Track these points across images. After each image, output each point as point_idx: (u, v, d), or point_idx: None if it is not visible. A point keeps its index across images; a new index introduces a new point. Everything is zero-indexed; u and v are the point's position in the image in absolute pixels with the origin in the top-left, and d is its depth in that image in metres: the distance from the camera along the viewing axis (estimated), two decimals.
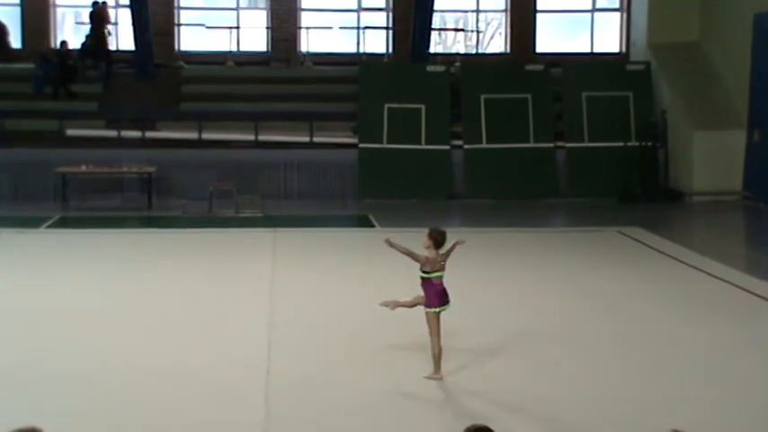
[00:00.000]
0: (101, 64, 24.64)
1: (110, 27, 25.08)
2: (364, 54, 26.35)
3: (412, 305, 8.86)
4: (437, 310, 8.53)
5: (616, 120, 22.26)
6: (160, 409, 7.97)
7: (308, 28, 26.99)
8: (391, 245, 8.62)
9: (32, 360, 9.20)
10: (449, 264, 8.74)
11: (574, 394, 8.47)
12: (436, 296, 8.52)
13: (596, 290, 12.66)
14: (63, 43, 24.77)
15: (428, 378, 8.62)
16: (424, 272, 8.53)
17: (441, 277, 8.56)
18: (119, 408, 7.99)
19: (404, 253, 8.58)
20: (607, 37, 27.53)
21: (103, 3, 25.15)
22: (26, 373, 8.81)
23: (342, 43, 27.49)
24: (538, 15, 27.24)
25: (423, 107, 22.10)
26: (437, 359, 8.57)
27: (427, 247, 8.57)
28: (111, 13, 25.85)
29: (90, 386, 8.49)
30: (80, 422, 7.64)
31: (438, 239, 8.58)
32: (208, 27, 26.72)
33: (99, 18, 25.08)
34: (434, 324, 8.51)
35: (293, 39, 26.88)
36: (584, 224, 18.51)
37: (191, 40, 27.02)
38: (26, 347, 9.65)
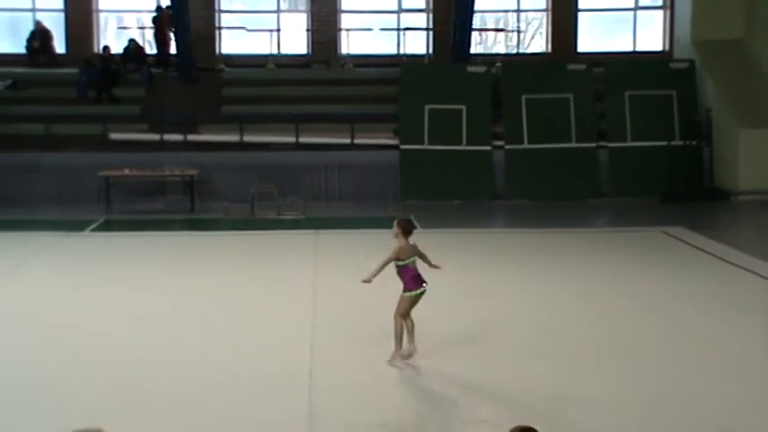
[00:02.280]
0: (147, 68, 24.93)
1: (171, 32, 25.33)
2: (404, 55, 26.38)
3: (383, 266, 9.14)
4: (414, 293, 9.01)
5: (660, 119, 22.09)
6: (204, 410, 8.04)
7: (348, 30, 27.09)
8: (369, 280, 9.15)
9: (80, 362, 9.32)
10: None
11: (617, 395, 8.43)
12: (412, 280, 9.03)
13: (640, 291, 12.57)
14: (106, 48, 25.09)
15: (392, 360, 9.09)
16: (398, 260, 9.03)
17: (414, 263, 9.09)
18: (163, 409, 8.08)
19: (383, 266, 9.09)
20: (650, 35, 27.31)
21: (167, 7, 25.42)
22: (75, 375, 8.93)
23: (382, 45, 27.52)
24: (579, 14, 27.11)
25: (463, 108, 22.06)
26: (399, 337, 9.08)
27: (396, 236, 9.14)
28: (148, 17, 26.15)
29: (135, 388, 8.59)
30: (127, 424, 7.74)
31: (406, 228, 9.21)
32: (248, 30, 26.90)
33: (161, 23, 25.38)
34: (405, 305, 9.05)
35: (333, 41, 26.99)
36: (627, 224, 18.39)
37: (231, 43, 27.22)
38: (72, 350, 9.78)
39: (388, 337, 10.16)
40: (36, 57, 25.88)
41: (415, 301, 9.10)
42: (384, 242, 16.41)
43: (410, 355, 9.16)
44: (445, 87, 22.26)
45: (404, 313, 9.06)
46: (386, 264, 9.10)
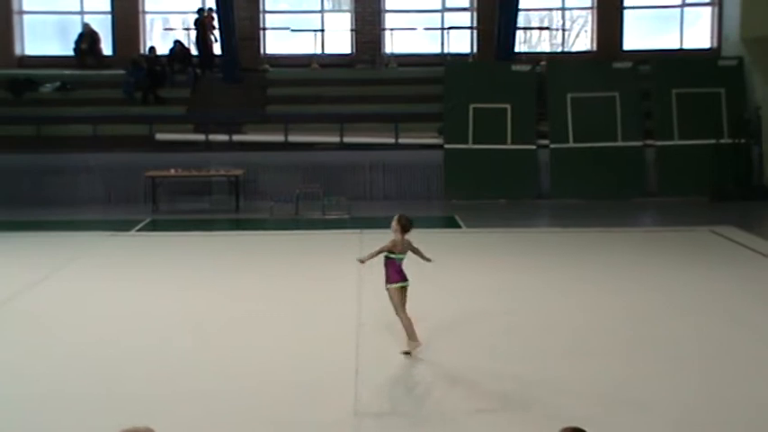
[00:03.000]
0: (193, 69, 25.08)
1: (214, 33, 25.43)
2: (449, 54, 26.26)
3: (378, 253, 9.45)
4: (398, 285, 9.34)
5: (708, 117, 21.78)
6: (250, 409, 8.02)
7: (392, 29, 27.03)
8: (363, 260, 9.51)
9: (126, 362, 9.35)
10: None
11: (667, 397, 8.26)
12: (397, 273, 9.37)
13: (690, 291, 12.36)
14: (152, 49, 25.29)
15: (406, 352, 9.29)
16: (390, 252, 9.37)
17: (401, 260, 9.45)
18: (210, 408, 8.07)
19: (376, 254, 9.39)
20: (697, 32, 26.92)
21: (209, 9, 25.55)
22: (124, 372, 8.97)
23: (426, 44, 27.43)
24: (625, 12, 26.80)
25: (508, 107, 21.95)
26: (409, 329, 9.30)
27: (395, 231, 9.46)
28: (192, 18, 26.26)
29: (182, 387, 8.59)
30: (176, 423, 7.74)
31: (405, 225, 9.53)
32: (293, 30, 26.94)
33: (204, 25, 25.53)
34: (397, 298, 9.34)
35: (377, 40, 26.94)
36: (675, 224, 18.13)
37: (276, 43, 27.28)
38: (118, 350, 9.81)
39: (435, 336, 10.11)
40: (84, 59, 26.15)
41: (401, 292, 9.38)
42: (427, 242, 16.44)
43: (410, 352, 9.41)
44: (490, 86, 22.17)
45: (401, 306, 9.35)
46: (381, 251, 9.39)
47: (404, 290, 9.43)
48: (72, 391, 8.48)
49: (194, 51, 25.84)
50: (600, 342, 9.96)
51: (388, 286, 9.39)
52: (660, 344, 9.90)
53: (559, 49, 27.27)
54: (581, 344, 9.89)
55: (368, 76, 25.49)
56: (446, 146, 22.02)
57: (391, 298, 9.40)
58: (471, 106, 21.96)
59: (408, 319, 9.37)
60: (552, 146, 21.99)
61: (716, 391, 8.50)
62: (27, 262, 14.59)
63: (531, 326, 10.65)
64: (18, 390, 8.49)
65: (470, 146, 21.94)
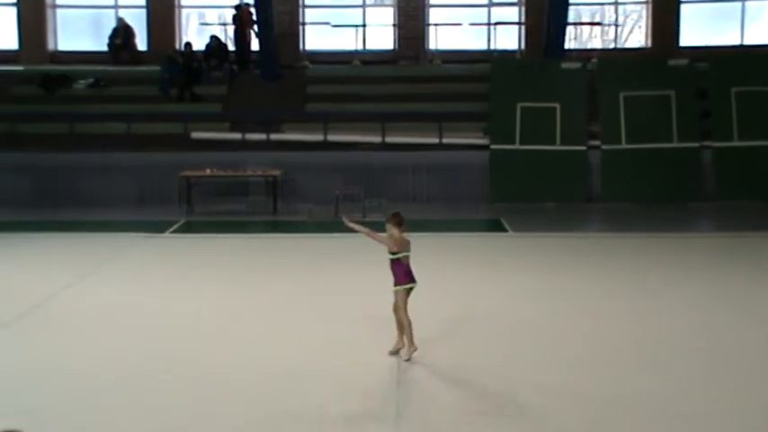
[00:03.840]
0: (230, 65, 25.26)
1: (252, 29, 25.62)
2: (495, 51, 26.23)
3: (367, 234, 9.63)
4: (405, 287, 9.47)
5: None
6: (292, 409, 8.08)
7: (436, 25, 27.05)
8: (349, 225, 9.73)
9: (160, 366, 9.45)
10: None
11: (721, 412, 8.20)
12: (404, 275, 9.48)
13: (749, 301, 12.24)
14: (188, 45, 25.52)
15: (407, 356, 9.45)
16: (392, 253, 9.47)
17: (408, 257, 9.51)
18: (254, 407, 8.17)
19: (364, 233, 9.60)
20: (760, 27, 26.63)
21: (246, 4, 25.75)
22: (155, 376, 9.07)
23: (471, 40, 27.40)
24: (682, 6, 26.58)
25: (557, 106, 21.87)
26: (408, 332, 9.46)
27: (390, 228, 9.50)
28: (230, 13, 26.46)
29: (223, 387, 8.68)
30: (219, 422, 7.84)
31: (399, 220, 9.51)
32: (333, 26, 27.06)
33: (242, 20, 25.74)
34: (402, 300, 9.48)
35: (421, 36, 26.97)
36: (734, 229, 17.94)
37: (316, 39, 27.40)
38: (153, 354, 9.92)
39: (478, 340, 10.12)
40: (118, 54, 26.46)
41: (407, 294, 9.53)
42: (472, 246, 16.49)
43: (398, 352, 9.61)
44: (538, 84, 22.10)
45: (403, 308, 9.50)
46: (373, 236, 9.56)
47: (409, 291, 9.56)
48: (105, 395, 8.59)
49: (231, 47, 26.04)
50: (649, 353, 9.89)
51: (396, 288, 9.55)
52: (711, 355, 9.80)
53: (612, 46, 27.13)
54: (627, 354, 9.82)
55: (411, 74, 25.53)
56: (492, 146, 21.98)
57: (396, 299, 9.55)
58: (519, 105, 21.91)
59: (409, 322, 9.51)
60: (603, 147, 21.88)
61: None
62: (59, 264, 14.79)
63: (575, 334, 10.61)
64: (50, 394, 8.61)
65: (517, 146, 21.88)
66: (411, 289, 9.55)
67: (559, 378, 8.99)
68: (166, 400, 8.47)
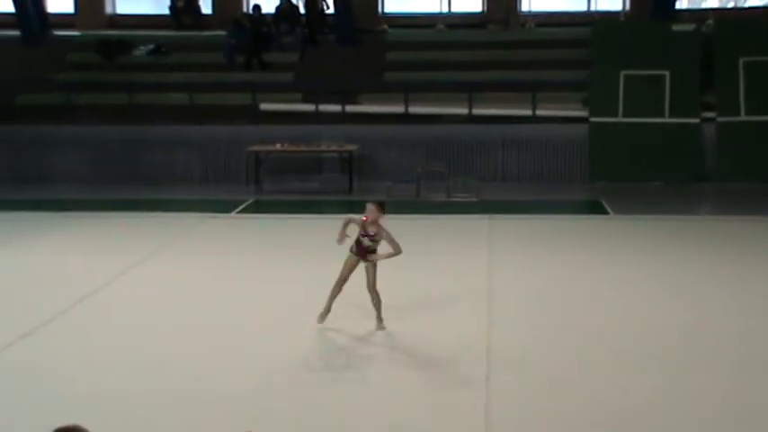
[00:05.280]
0: (302, 30, 25.34)
1: None
2: (596, 12, 25.95)
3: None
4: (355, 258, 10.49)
5: None
6: (378, 399, 8.15)
7: None
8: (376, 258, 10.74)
9: (224, 356, 9.57)
10: None
11: None
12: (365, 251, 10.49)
13: None
14: (256, 7, 25.66)
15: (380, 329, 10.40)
16: (366, 237, 10.52)
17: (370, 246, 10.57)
18: (341, 396, 8.30)
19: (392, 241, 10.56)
20: None
21: None
22: (217, 367, 9.18)
23: (569, 0, 27.12)
24: None
25: (666, 73, 21.54)
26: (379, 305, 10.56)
27: (376, 216, 10.64)
28: None
29: (284, 382, 8.76)
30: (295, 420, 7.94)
31: (384, 208, 10.82)
32: None
33: None
34: (346, 268, 10.51)
35: None
36: None
37: (396, 0, 27.37)
38: (216, 344, 10.04)
39: (575, 340, 10.04)
40: (180, 18, 26.78)
41: (352, 262, 10.53)
42: (569, 230, 16.35)
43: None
44: (645, 50, 21.78)
45: (343, 273, 10.51)
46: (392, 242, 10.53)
47: (358, 261, 10.48)
48: (162, 385, 8.72)
49: (303, 10, 26.12)
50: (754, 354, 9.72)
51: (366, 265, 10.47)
52: None
53: (730, 5, 26.61)
54: (727, 352, 9.69)
55: (501, 39, 25.37)
56: (592, 119, 21.77)
57: (368, 273, 10.43)
58: (622, 73, 21.64)
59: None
60: (719, 119, 21.51)
61: None
62: (117, 247, 15.04)
63: (673, 328, 10.48)
64: (104, 384, 8.76)
65: (620, 119, 21.64)
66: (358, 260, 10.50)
67: (664, 380, 8.90)
68: (222, 395, 8.56)
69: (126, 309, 11.46)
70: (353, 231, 10.65)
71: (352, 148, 21.07)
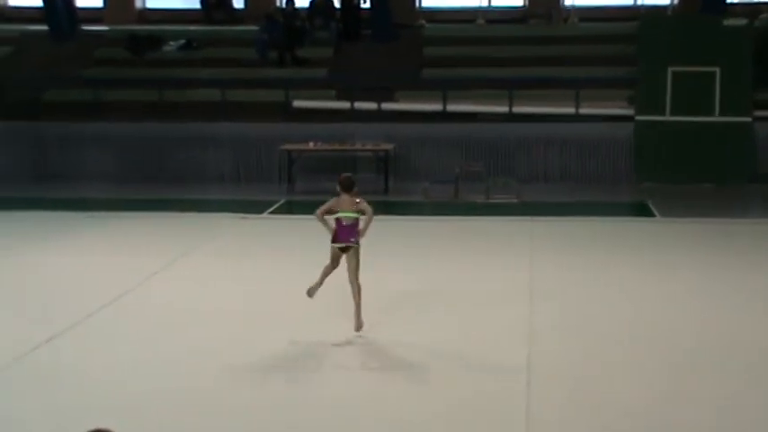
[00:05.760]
0: (336, 25, 25.33)
1: None
2: (643, 6, 25.78)
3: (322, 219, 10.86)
4: (335, 245, 10.56)
5: None
6: (419, 411, 8.11)
7: None
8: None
9: (257, 363, 9.55)
10: None
11: None
12: (342, 233, 10.57)
13: None
14: (289, 1, 25.67)
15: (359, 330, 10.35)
16: (332, 211, 10.75)
17: (348, 219, 10.63)
18: (371, 407, 8.27)
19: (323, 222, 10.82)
20: None
21: None
22: (250, 375, 9.17)
23: None
24: None
25: (717, 70, 21.36)
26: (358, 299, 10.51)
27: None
28: None
29: (316, 393, 8.73)
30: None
31: (344, 183, 10.88)
32: None
33: None
34: (331, 260, 10.65)
35: None
36: None
37: None
38: (249, 350, 10.02)
39: (618, 347, 9.93)
40: (212, 13, 26.87)
41: (335, 254, 10.55)
42: (613, 233, 16.22)
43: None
44: (694, 45, 21.62)
45: (354, 272, 10.51)
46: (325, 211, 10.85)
47: (342, 253, 10.49)
48: (192, 390, 8.72)
49: (338, 4, 26.13)
50: None
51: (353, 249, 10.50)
52: None
53: None
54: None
55: (543, 34, 25.31)
56: (638, 117, 21.64)
57: (350, 261, 10.47)
58: (670, 70, 21.48)
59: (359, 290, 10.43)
60: None
61: None
62: (145, 248, 15.10)
63: (725, 338, 10.36)
64: (132, 387, 8.78)
65: (668, 117, 21.50)
66: (341, 249, 10.50)
67: (712, 389, 8.78)
68: (255, 402, 8.54)
69: (154, 312, 11.48)
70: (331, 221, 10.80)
71: (388, 147, 21.03)
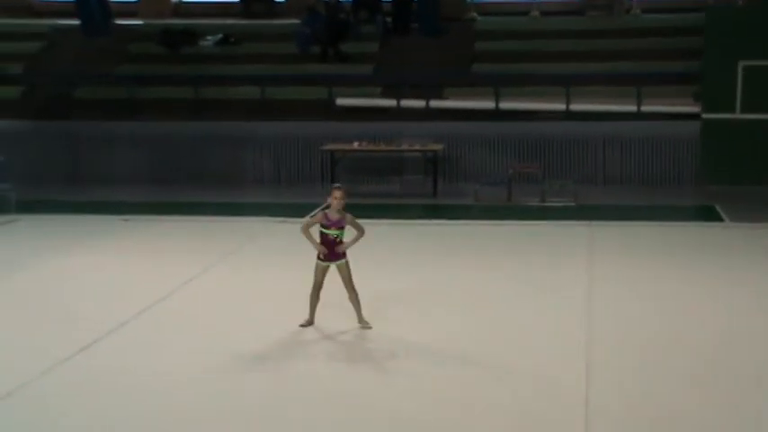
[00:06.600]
0: (383, 18, 25.33)
1: None
2: None
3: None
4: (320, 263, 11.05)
5: None
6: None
7: None
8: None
9: (294, 374, 9.58)
10: None
11: None
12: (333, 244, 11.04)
13: None
14: None
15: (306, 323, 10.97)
16: (341, 229, 11.03)
17: (332, 234, 11.07)
18: (420, 406, 8.31)
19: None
20: None
21: None
22: (291, 385, 9.20)
23: None
24: None
25: None
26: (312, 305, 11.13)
27: (343, 204, 10.99)
28: None
29: (366, 411, 8.73)
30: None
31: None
32: None
33: None
34: (320, 275, 11.08)
35: None
36: None
37: None
38: (289, 360, 10.06)
39: (681, 358, 9.85)
40: (250, 6, 26.99)
41: (320, 270, 11.05)
42: (678, 238, 16.09)
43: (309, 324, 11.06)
44: (766, 38, 21.41)
45: (348, 282, 11.01)
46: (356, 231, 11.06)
47: (327, 268, 10.97)
48: (234, 400, 8.76)
49: None
50: None
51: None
52: None
53: None
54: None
55: (602, 27, 25.21)
56: (705, 115, 21.46)
57: (342, 271, 10.93)
58: (741, 64, 21.28)
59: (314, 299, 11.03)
60: None
61: None
62: (182, 253, 15.21)
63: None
64: (170, 399, 8.83)
65: (738, 115, 21.30)
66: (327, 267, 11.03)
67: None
68: (313, 403, 8.56)
69: (190, 319, 11.55)
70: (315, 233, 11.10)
71: (437, 147, 21.00)
